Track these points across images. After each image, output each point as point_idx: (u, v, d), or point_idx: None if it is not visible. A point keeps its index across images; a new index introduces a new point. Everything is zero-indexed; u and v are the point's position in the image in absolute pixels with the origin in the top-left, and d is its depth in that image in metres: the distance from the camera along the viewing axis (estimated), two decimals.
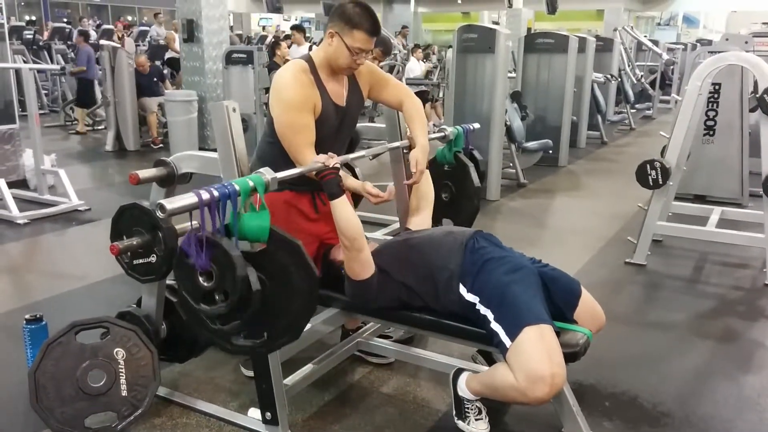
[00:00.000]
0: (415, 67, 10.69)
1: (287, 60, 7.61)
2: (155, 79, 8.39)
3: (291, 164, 2.21)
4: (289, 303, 1.86)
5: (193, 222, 1.76)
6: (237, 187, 1.77)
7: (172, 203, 1.67)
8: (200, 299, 1.82)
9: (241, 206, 1.78)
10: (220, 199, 1.74)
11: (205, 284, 1.80)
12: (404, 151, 2.89)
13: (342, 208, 2.07)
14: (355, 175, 3.25)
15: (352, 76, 2.38)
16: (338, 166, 2.06)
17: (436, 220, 2.71)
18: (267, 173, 1.86)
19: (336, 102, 2.31)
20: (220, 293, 1.79)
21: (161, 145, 7.50)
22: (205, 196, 1.71)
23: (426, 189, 2.58)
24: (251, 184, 1.80)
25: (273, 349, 2.04)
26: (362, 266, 2.13)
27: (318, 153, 2.14)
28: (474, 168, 2.81)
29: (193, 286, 1.83)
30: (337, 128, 2.35)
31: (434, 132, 2.80)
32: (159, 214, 1.68)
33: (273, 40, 10.30)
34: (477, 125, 3.03)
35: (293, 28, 9.69)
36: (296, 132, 2.19)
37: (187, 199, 1.70)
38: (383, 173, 5.20)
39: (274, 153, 2.28)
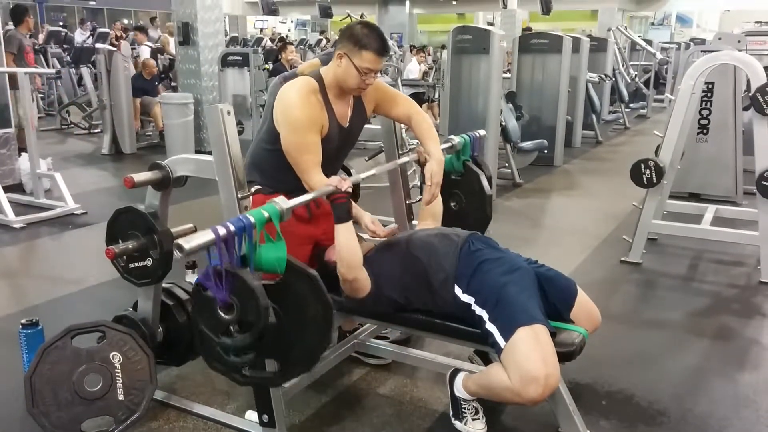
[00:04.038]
0: (414, 68, 10.76)
1: (293, 66, 7.63)
2: (156, 83, 8.40)
3: (291, 172, 2.24)
4: (304, 334, 1.86)
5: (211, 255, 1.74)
6: (252, 220, 1.77)
7: (189, 242, 1.66)
8: (221, 332, 1.82)
9: (257, 238, 1.78)
10: (236, 233, 1.74)
11: (226, 317, 1.79)
12: (399, 152, 2.89)
13: (346, 233, 2.08)
14: (350, 175, 3.25)
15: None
16: (350, 190, 2.07)
17: None
18: (281, 202, 1.86)
19: (340, 123, 2.33)
20: (239, 325, 1.79)
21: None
22: (222, 231, 1.71)
23: (437, 209, 2.58)
24: (266, 215, 1.80)
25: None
26: (356, 291, 2.16)
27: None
28: (484, 175, 2.78)
29: (213, 319, 1.82)
30: (337, 148, 2.37)
31: (441, 143, 2.76)
32: (177, 253, 1.66)
33: (279, 44, 10.34)
34: (483, 132, 2.99)
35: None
36: (303, 152, 2.21)
37: (205, 236, 1.69)
38: None
39: (274, 161, 2.30)
